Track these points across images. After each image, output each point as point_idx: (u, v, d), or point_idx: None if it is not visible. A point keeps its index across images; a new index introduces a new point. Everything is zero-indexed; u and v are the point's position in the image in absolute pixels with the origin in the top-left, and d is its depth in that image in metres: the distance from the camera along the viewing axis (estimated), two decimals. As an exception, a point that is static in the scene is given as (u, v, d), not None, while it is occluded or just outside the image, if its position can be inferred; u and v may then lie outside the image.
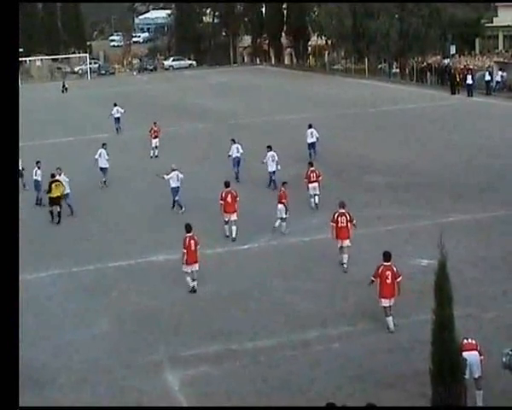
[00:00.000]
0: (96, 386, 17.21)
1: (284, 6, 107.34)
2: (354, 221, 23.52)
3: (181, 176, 30.94)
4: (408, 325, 19.16)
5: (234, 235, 26.98)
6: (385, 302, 19.06)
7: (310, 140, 39.11)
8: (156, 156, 42.29)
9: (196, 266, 22.21)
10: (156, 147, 42.55)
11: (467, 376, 14.61)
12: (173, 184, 30.92)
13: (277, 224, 27.16)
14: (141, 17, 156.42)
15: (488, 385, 15.89)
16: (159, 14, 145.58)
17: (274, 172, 33.70)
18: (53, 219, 30.36)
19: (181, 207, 30.97)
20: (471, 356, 14.85)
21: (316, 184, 30.17)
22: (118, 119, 50.93)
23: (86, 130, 52.75)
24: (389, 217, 28.50)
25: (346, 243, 23.37)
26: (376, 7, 78.86)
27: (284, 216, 27.04)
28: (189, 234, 22.18)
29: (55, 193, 30.15)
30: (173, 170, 31.05)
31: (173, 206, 31.24)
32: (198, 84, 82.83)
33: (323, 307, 20.82)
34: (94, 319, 20.91)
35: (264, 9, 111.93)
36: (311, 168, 30.63)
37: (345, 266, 23.42)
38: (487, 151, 39.83)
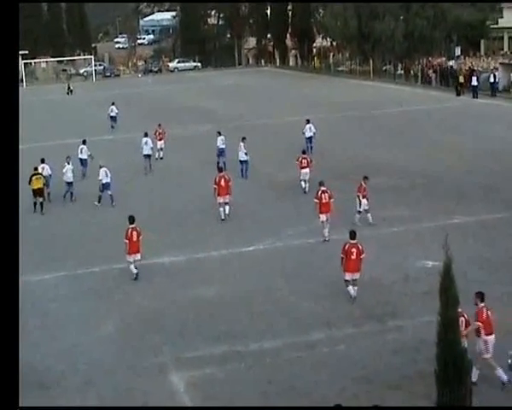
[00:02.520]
0: (101, 388, 17.22)
1: (289, 8, 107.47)
2: (332, 199, 26.35)
3: (109, 172, 33.04)
4: (413, 326, 19.15)
5: (224, 215, 29.27)
6: (348, 276, 20.89)
7: (308, 134, 41.39)
8: (161, 158, 42.39)
9: (138, 256, 23.76)
10: (161, 149, 42.72)
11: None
12: (104, 180, 32.87)
13: (357, 219, 27.78)
14: (146, 19, 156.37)
15: (493, 387, 15.90)
16: (164, 16, 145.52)
17: (246, 161, 36.18)
18: (35, 210, 32.21)
19: (99, 201, 32.91)
20: None
21: (307, 170, 32.88)
22: (113, 117, 53.98)
23: (91, 131, 52.76)
24: (394, 219, 28.48)
25: (328, 216, 26.34)
26: (381, 8, 78.86)
27: (366, 208, 27.78)
28: (131, 225, 23.65)
29: (36, 185, 32.31)
30: (101, 167, 32.99)
31: (99, 200, 32.97)
32: (203, 86, 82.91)
33: (328, 308, 20.80)
34: (98, 321, 20.91)
35: (268, 11, 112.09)
36: (303, 155, 33.39)
37: (327, 238, 26.08)
38: (492, 152, 39.79)
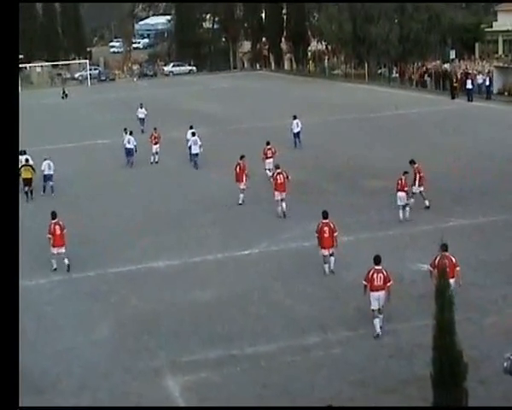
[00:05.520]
0: (97, 391, 17.19)
1: (284, 11, 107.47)
2: (289, 177, 29.72)
3: (52, 164, 36.01)
4: (409, 329, 19.13)
5: (240, 201, 31.88)
6: (324, 252, 23.37)
7: (295, 130, 43.59)
8: (156, 162, 42.37)
9: (63, 249, 25.02)
10: (157, 153, 42.67)
11: (374, 307, 18.68)
12: (46, 172, 35.97)
13: (401, 215, 28.33)
14: (141, 23, 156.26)
15: (489, 390, 15.89)
16: (159, 20, 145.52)
17: (197, 154, 39.53)
18: (27, 199, 35.06)
19: (43, 191, 35.90)
20: (380, 295, 18.72)
21: (271, 160, 35.39)
22: (142, 119, 53.37)
23: (86, 136, 52.75)
24: (390, 221, 28.45)
25: (283, 195, 29.56)
26: (376, 12, 78.91)
27: (406, 202, 28.33)
28: (53, 220, 25.10)
29: (26, 175, 35.56)
30: (45, 159, 36.21)
31: (44, 190, 36.03)
32: (198, 90, 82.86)
33: (323, 311, 20.79)
34: (94, 324, 20.88)
35: (263, 15, 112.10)
36: (268, 146, 36.24)
37: (280, 215, 29.39)
38: (487, 155, 39.81)
